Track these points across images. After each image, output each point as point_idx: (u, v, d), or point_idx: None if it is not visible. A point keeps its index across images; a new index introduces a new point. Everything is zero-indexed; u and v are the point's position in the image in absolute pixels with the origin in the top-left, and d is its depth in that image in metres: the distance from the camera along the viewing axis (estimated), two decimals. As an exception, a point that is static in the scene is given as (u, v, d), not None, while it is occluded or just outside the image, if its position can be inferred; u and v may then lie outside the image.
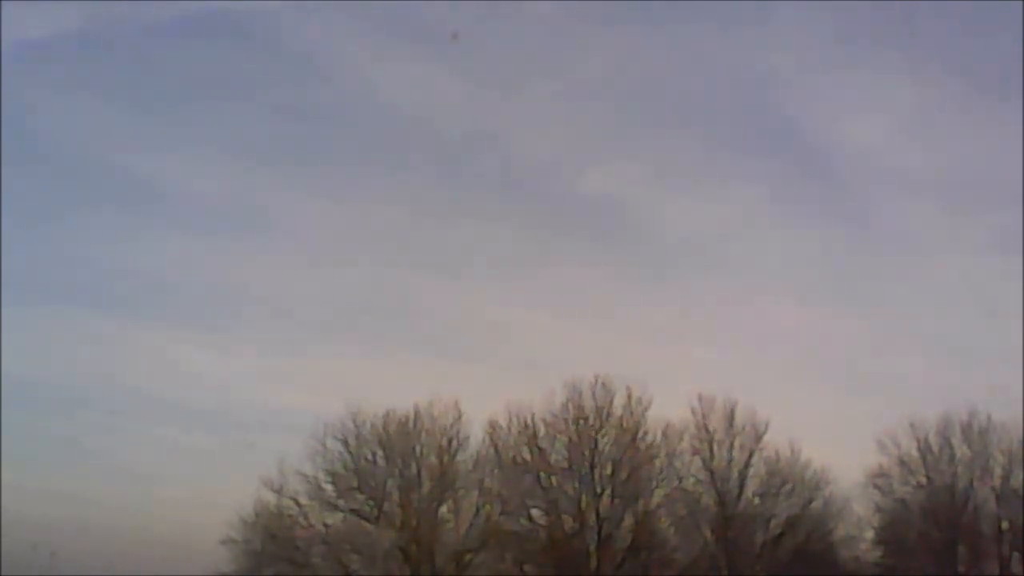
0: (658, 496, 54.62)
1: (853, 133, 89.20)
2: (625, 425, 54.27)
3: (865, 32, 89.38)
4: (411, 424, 53.62)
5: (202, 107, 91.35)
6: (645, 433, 54.47)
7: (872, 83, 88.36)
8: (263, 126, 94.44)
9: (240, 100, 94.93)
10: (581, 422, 54.01)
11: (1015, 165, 68.52)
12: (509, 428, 54.30)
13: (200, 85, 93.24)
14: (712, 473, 54.98)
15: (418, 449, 53.27)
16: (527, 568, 54.43)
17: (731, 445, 55.13)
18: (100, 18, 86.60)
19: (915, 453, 56.27)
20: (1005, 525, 54.63)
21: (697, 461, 55.24)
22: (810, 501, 55.44)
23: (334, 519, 53.09)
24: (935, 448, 56.00)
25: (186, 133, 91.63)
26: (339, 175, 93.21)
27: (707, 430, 55.32)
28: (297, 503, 52.68)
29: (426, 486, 52.89)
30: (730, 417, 55.32)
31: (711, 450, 55.16)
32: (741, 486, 54.94)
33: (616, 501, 53.49)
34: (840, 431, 67.24)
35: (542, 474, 53.73)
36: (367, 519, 52.44)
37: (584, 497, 53.30)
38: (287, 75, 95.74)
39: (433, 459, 53.19)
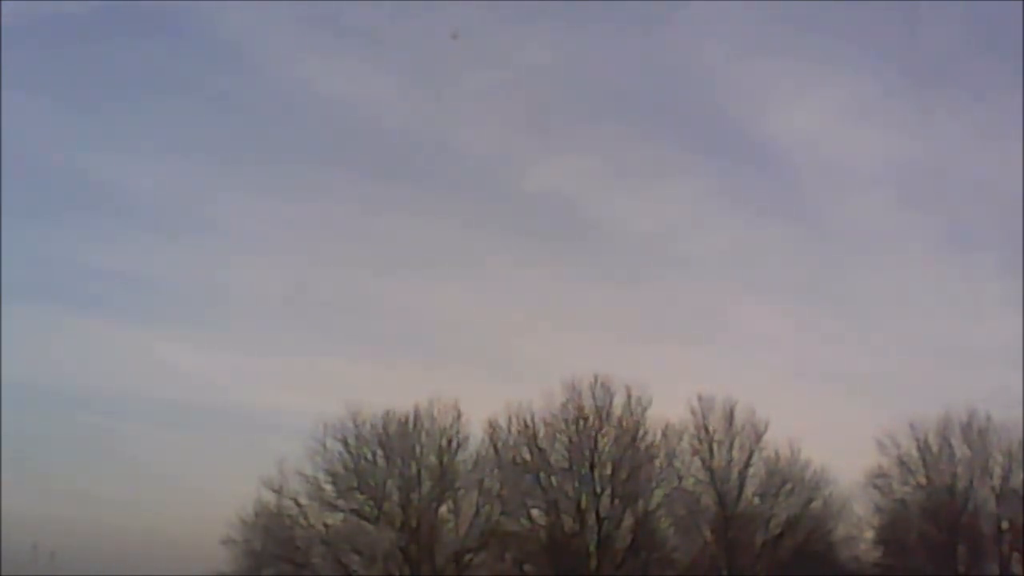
0: (658, 496, 54.57)
1: (797, 126, 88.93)
2: (625, 425, 54.27)
3: (810, 24, 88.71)
4: (411, 424, 53.60)
5: (137, 104, 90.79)
6: (645, 433, 54.48)
7: (817, 75, 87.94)
8: (199, 122, 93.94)
9: (175, 95, 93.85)
10: (581, 422, 53.99)
11: (970, 158, 68.11)
12: (509, 428, 54.33)
13: (134, 81, 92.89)
14: (712, 473, 54.95)
15: (418, 449, 53.26)
16: (527, 568, 54.45)
17: (731, 445, 55.13)
18: (22, 14, 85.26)
19: (915, 453, 56.36)
20: (1005, 525, 54.70)
21: (697, 461, 55.24)
22: (810, 501, 55.41)
23: (334, 519, 53.09)
24: (935, 448, 56.05)
25: (127, 131, 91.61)
26: (285, 172, 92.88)
27: (707, 430, 55.32)
28: (297, 503, 52.71)
29: (426, 486, 52.88)
30: (730, 417, 55.35)
31: (711, 450, 55.14)
32: (741, 486, 54.92)
33: (616, 501, 53.47)
34: (840, 431, 67.28)
35: (542, 474, 53.69)
36: (367, 519, 52.43)
37: (584, 497, 53.29)
38: (216, 69, 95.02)
39: (433, 459, 53.19)
